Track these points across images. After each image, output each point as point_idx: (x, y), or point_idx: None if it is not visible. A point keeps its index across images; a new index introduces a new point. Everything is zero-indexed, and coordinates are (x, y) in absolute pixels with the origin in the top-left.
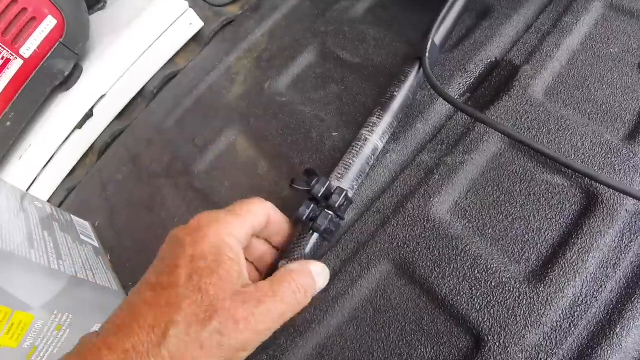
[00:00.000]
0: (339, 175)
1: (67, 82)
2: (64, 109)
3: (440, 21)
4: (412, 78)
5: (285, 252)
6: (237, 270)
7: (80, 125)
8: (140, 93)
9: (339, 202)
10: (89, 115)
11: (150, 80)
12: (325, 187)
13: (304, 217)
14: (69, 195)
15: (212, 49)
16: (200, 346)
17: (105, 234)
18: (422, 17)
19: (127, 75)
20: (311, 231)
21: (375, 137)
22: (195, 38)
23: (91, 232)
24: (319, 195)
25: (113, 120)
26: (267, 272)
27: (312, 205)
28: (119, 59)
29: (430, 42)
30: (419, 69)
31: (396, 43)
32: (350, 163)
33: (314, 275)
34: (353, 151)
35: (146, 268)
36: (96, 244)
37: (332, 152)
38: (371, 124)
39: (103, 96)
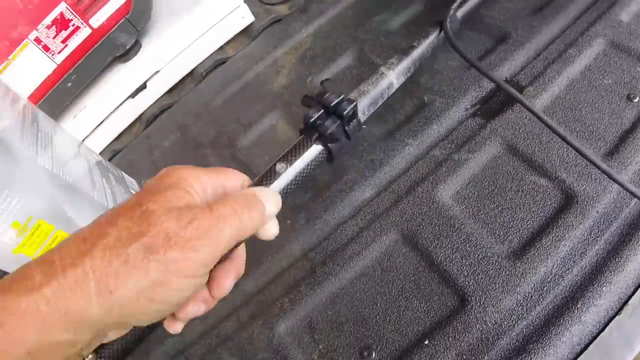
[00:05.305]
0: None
1: (126, 54)
2: (121, 79)
3: None
4: (433, 37)
5: (281, 157)
6: (187, 196)
7: (133, 95)
8: (190, 73)
9: (347, 110)
10: (143, 87)
11: (201, 63)
12: (338, 99)
13: (310, 120)
14: (117, 155)
15: (260, 43)
16: (125, 261)
17: None
18: None
19: (181, 56)
20: (311, 140)
21: (392, 75)
22: (245, 31)
23: (138, 189)
24: (331, 105)
25: (163, 95)
26: None
27: (321, 111)
28: (175, 41)
29: (451, 11)
30: (440, 31)
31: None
32: (365, 90)
33: (261, 197)
34: (369, 81)
35: None
36: None
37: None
38: (390, 63)
39: (157, 72)
